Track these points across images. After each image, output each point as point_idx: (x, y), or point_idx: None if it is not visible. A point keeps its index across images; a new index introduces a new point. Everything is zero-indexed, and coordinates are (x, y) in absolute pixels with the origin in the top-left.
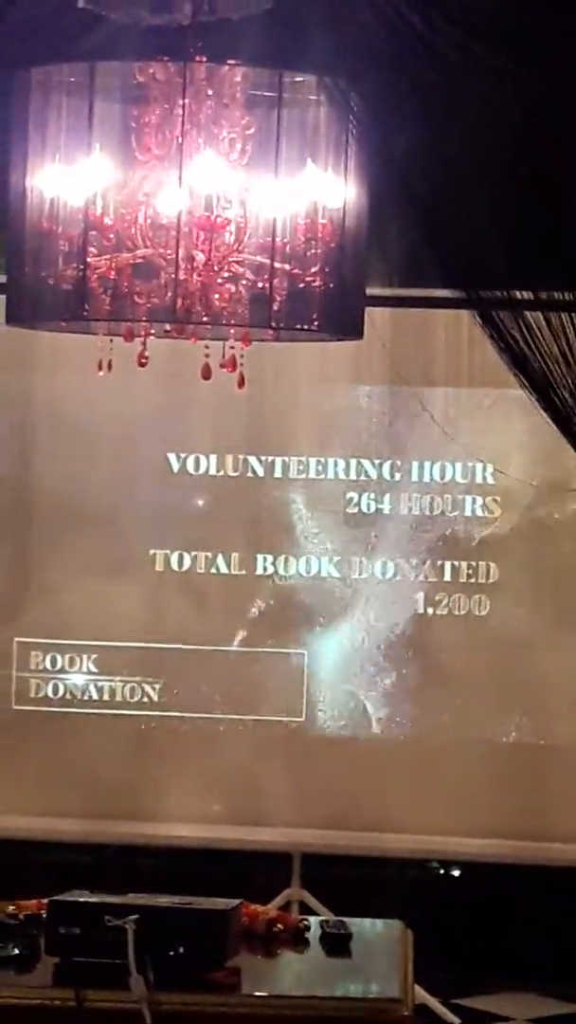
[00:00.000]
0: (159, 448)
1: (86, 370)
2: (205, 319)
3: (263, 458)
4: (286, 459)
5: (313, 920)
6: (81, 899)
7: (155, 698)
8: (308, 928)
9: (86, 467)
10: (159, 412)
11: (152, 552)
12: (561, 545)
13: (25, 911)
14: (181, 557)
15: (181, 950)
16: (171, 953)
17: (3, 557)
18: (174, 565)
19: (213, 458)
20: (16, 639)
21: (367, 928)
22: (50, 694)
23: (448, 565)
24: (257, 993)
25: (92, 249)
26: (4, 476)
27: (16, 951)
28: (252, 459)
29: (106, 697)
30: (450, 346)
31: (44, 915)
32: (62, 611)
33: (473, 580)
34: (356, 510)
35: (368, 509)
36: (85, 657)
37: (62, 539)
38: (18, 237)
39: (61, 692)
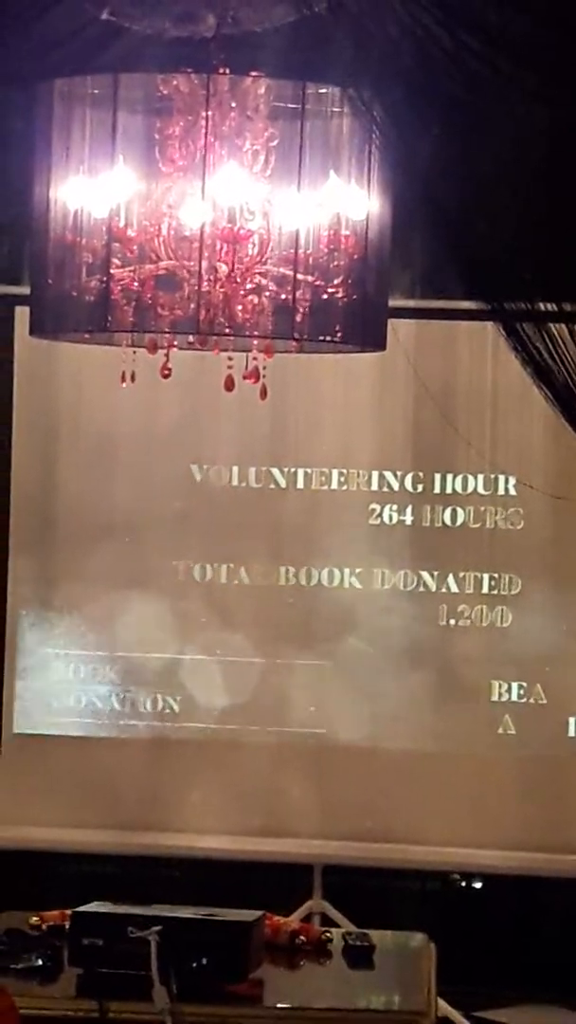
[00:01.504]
0: (182, 459)
1: (109, 381)
2: (228, 330)
3: (286, 469)
4: (308, 470)
5: (335, 932)
6: (104, 910)
7: (177, 709)
8: (330, 940)
9: (109, 478)
10: (182, 423)
11: (175, 563)
12: None
13: (48, 922)
14: (204, 568)
15: (204, 961)
16: (194, 964)
17: (27, 568)
18: (196, 576)
19: (236, 469)
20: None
21: (390, 940)
22: (72, 705)
23: (471, 577)
24: (280, 1005)
25: (115, 261)
26: (28, 487)
27: (39, 962)
28: (275, 470)
29: (129, 708)
30: (473, 358)
31: (67, 926)
32: (85, 622)
33: (495, 592)
34: (379, 521)
35: (390, 520)
36: (108, 668)
37: (85, 550)
38: (42, 249)
39: (84, 703)
